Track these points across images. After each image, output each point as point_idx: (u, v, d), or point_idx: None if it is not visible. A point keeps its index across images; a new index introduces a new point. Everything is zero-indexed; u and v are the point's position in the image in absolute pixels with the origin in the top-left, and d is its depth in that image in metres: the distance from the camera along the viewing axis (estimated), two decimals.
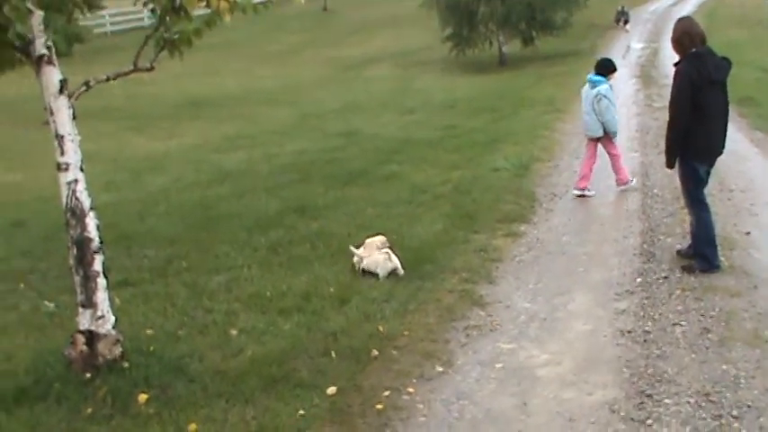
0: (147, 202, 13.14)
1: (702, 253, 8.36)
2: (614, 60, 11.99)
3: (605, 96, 11.39)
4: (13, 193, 14.73)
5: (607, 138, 11.78)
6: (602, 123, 11.50)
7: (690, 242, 8.68)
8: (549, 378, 6.23)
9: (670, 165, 8.55)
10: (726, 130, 8.38)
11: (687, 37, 8.15)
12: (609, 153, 11.93)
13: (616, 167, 11.84)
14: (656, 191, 11.39)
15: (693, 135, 8.12)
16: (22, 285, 8.98)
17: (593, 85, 11.55)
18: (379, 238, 8.86)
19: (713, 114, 8.18)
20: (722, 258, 8.47)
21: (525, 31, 35.06)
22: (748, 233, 9.32)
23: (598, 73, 11.66)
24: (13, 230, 11.81)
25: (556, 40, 34.64)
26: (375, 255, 8.62)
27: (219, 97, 30.33)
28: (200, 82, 34.68)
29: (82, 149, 6.27)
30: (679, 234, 9.41)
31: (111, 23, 49.88)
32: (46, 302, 8.27)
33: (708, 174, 8.56)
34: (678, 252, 8.78)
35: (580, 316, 7.43)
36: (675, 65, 8.30)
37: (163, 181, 15.19)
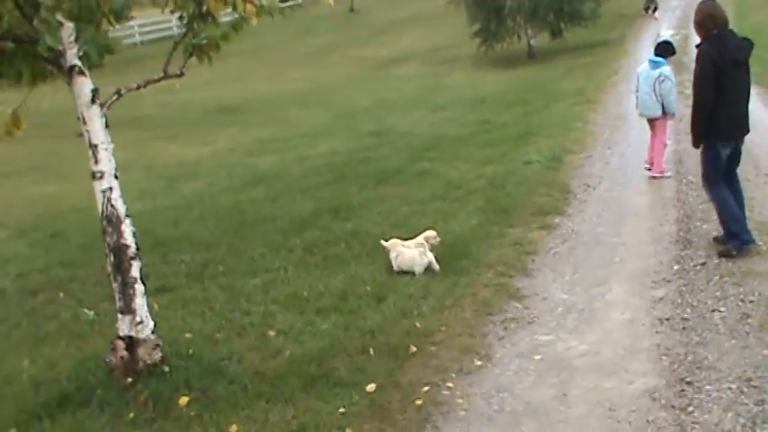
0: (181, 208, 13.22)
1: (733, 232, 8.30)
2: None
3: (668, 78, 11.69)
4: (50, 205, 14.86)
5: (664, 120, 12.04)
6: (664, 104, 11.79)
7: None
8: (589, 368, 6.20)
9: (696, 144, 8.59)
10: (748, 111, 8.36)
11: (710, 20, 8.12)
12: (658, 137, 12.08)
13: (657, 153, 11.95)
14: (690, 177, 11.30)
15: (716, 117, 8.10)
16: (61, 295, 9.06)
17: (655, 65, 11.82)
18: (429, 233, 8.82)
19: (736, 95, 8.17)
20: (760, 243, 8.41)
21: (553, 23, 34.95)
22: None
23: (658, 54, 11.96)
24: (51, 241, 11.92)
25: (584, 32, 34.49)
26: (408, 252, 8.61)
27: (250, 102, 30.44)
28: (231, 88, 34.83)
29: (115, 158, 6.33)
30: (715, 220, 9.30)
31: (140, 33, 50.17)
32: (86, 310, 8.34)
33: (735, 155, 8.55)
34: (714, 239, 8.72)
35: (618, 305, 7.40)
36: (697, 46, 8.27)
37: (197, 187, 15.26)
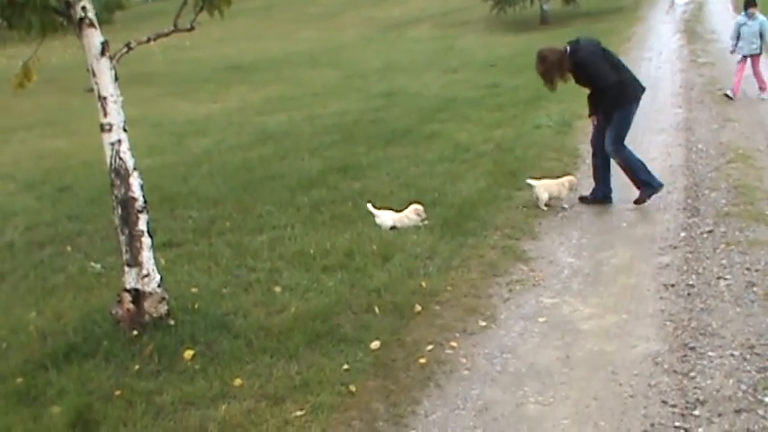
0: (190, 164, 13.23)
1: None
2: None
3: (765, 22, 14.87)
4: (59, 159, 14.87)
5: (758, 57, 14.97)
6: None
7: None
8: (592, 332, 6.22)
9: None
10: None
11: None
12: (757, 70, 14.95)
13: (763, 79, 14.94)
14: (700, 146, 11.28)
15: None
16: (68, 248, 9.10)
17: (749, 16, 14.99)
18: (417, 206, 8.91)
19: None
20: (767, 212, 8.41)
21: None
22: None
23: (747, 7, 15.03)
24: (59, 195, 11.94)
25: None
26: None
27: (261, 61, 30.36)
28: (242, 46, 34.75)
29: (125, 114, 6.32)
30: (723, 189, 9.33)
31: None
32: (92, 263, 8.38)
33: None
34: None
35: (623, 270, 7.41)
36: None
37: (206, 143, 15.26)
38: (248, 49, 33.85)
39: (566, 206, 9.21)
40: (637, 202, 9.12)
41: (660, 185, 9.11)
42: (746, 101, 14.27)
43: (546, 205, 9.25)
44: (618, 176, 9.40)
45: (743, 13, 15.01)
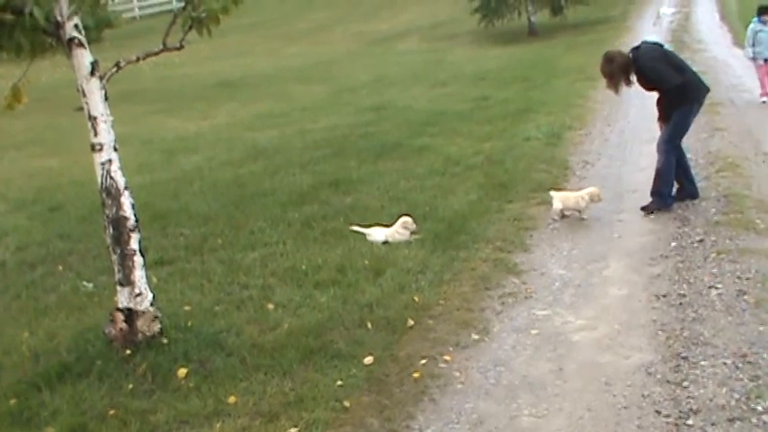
0: (180, 181, 13.21)
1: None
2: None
3: None
4: (49, 178, 14.84)
5: None
6: None
7: None
8: (585, 343, 6.24)
9: None
10: None
11: None
12: None
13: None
14: (689, 155, 11.29)
15: None
16: (60, 267, 9.08)
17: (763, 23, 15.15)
18: (407, 219, 8.94)
19: None
20: (757, 220, 8.44)
21: None
22: None
23: (761, 14, 15.21)
24: (50, 214, 11.91)
25: (586, 9, 34.26)
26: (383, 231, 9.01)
27: (250, 77, 30.35)
28: (231, 63, 34.72)
29: (115, 132, 6.34)
30: (713, 198, 9.37)
31: (140, 8, 49.92)
32: (85, 283, 8.37)
33: None
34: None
35: (615, 281, 7.44)
36: None
37: (196, 160, 15.23)
38: (237, 66, 33.83)
39: (585, 217, 9.22)
40: (644, 208, 9.26)
41: (670, 206, 9.22)
42: (734, 109, 14.33)
43: (563, 216, 9.27)
44: (607, 184, 9.46)
45: (755, 20, 15.24)
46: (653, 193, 9.30)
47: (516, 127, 14.62)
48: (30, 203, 12.79)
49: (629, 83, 9.30)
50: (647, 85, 9.37)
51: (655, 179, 9.31)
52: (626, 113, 14.98)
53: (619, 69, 9.19)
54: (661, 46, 9.51)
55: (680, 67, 9.26)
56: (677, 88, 9.05)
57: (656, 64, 9.12)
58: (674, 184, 9.31)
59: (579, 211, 9.27)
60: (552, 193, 9.46)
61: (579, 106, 16.21)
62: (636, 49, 9.35)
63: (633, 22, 32.13)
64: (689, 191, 9.48)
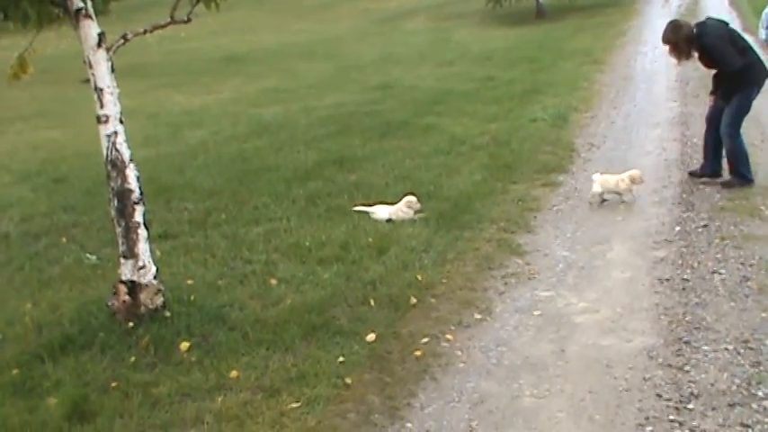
0: (185, 155, 13.21)
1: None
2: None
3: None
4: (54, 150, 14.85)
5: None
6: None
7: None
8: (588, 325, 6.24)
9: None
10: None
11: None
12: None
13: None
14: (695, 140, 11.28)
15: None
16: (64, 239, 9.08)
17: None
18: (411, 198, 8.92)
19: None
20: (762, 207, 8.44)
21: None
22: None
23: None
24: (54, 186, 11.92)
25: None
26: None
27: (257, 53, 30.31)
28: (237, 38, 34.69)
29: (121, 105, 6.32)
30: (718, 183, 9.35)
31: None
32: (88, 255, 8.37)
33: None
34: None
35: (618, 264, 7.43)
36: None
37: (201, 135, 15.23)
38: (243, 41, 33.79)
39: (625, 200, 9.14)
40: (724, 184, 9.29)
41: (751, 181, 9.24)
42: None
43: (603, 201, 9.19)
44: (612, 167, 9.43)
45: None
46: (733, 174, 9.33)
47: (522, 108, 14.59)
48: (34, 175, 12.82)
49: (689, 56, 9.25)
50: (709, 63, 9.33)
51: (729, 163, 9.36)
52: (632, 97, 14.95)
53: (684, 40, 9.11)
54: (726, 24, 9.41)
55: (743, 48, 9.20)
56: (740, 70, 9.01)
57: (720, 43, 9.05)
58: (748, 163, 9.32)
59: (619, 194, 9.18)
60: (594, 176, 9.32)
61: (585, 89, 16.17)
62: (701, 24, 9.28)
63: (642, 5, 32.06)
64: (712, 167, 9.50)
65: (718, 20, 9.58)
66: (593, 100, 15.08)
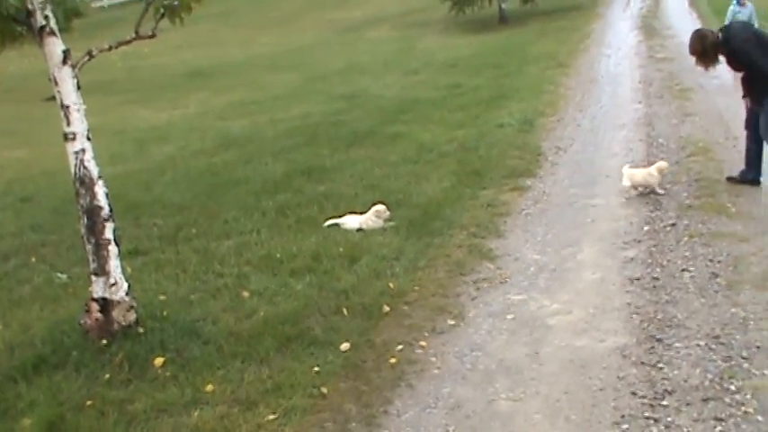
0: (153, 171, 13.16)
1: None
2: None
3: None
4: (20, 170, 14.75)
5: None
6: None
7: None
8: (561, 327, 6.28)
9: None
10: None
11: None
12: None
13: None
14: (660, 140, 11.40)
15: None
16: (33, 259, 9.01)
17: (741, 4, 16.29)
18: (379, 207, 8.94)
19: None
20: (729, 204, 8.53)
21: None
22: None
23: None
24: (22, 205, 11.84)
25: None
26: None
27: (222, 66, 30.27)
28: (202, 52, 34.62)
29: (88, 121, 6.30)
30: (685, 182, 9.45)
31: None
32: (58, 274, 8.32)
33: None
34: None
35: (589, 266, 7.47)
36: None
37: (168, 150, 15.18)
38: (208, 55, 33.73)
39: (660, 192, 9.18)
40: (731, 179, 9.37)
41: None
42: (704, 94, 14.42)
43: (639, 193, 9.25)
44: (579, 170, 9.51)
45: (734, 2, 15.65)
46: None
47: (489, 114, 14.66)
48: (1, 195, 12.72)
49: (716, 63, 9.24)
50: (738, 66, 9.26)
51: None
52: (598, 99, 15.06)
53: (711, 48, 9.07)
54: (752, 25, 9.41)
55: None
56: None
57: (748, 46, 8.95)
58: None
59: (648, 187, 9.22)
60: (624, 169, 9.41)
61: (551, 92, 16.27)
62: (726, 29, 9.28)
63: (603, 9, 32.30)
64: (754, 174, 9.37)
65: (743, 22, 9.60)
66: (558, 104, 15.16)
